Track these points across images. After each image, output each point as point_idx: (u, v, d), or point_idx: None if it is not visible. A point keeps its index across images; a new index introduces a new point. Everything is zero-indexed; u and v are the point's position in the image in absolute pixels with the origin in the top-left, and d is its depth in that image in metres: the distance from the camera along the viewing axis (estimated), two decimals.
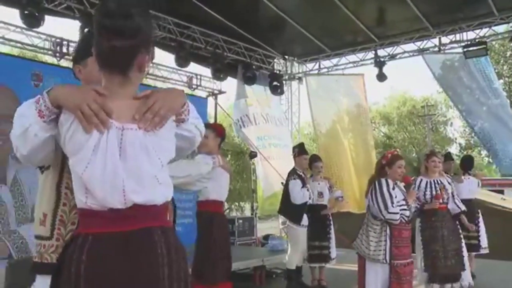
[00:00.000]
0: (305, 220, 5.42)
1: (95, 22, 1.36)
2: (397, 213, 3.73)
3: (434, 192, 4.44)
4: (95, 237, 1.30)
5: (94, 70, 1.69)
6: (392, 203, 3.72)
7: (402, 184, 4.04)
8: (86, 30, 1.91)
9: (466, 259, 4.57)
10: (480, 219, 6.05)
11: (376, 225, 3.81)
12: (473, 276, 5.91)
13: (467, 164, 6.26)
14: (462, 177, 6.03)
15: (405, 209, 3.78)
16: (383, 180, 3.84)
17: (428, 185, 4.49)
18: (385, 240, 3.74)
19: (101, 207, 1.31)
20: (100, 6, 1.40)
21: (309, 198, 5.38)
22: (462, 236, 4.68)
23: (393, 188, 3.83)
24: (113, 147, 1.31)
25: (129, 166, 1.32)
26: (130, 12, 1.33)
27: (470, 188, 6.03)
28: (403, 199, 3.84)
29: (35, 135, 1.32)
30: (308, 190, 5.34)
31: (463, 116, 8.28)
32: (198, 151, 3.30)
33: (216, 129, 3.56)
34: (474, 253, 5.93)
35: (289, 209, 5.50)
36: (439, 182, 4.47)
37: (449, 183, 4.56)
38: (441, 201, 4.43)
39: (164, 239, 1.36)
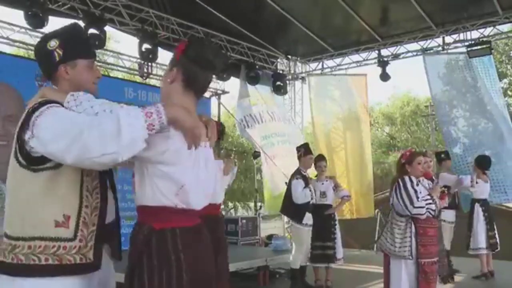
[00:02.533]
0: (308, 219, 5.40)
1: (199, 56, 1.68)
2: (423, 207, 3.71)
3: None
4: (181, 230, 1.61)
5: (83, 75, 1.72)
6: (417, 198, 3.71)
7: (425, 181, 3.99)
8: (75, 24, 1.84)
9: None
10: None
11: (401, 222, 3.78)
12: (491, 275, 5.97)
13: (485, 163, 6.22)
14: (485, 176, 6.06)
15: (430, 203, 3.76)
16: (406, 178, 3.82)
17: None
18: (410, 237, 3.72)
19: (186, 206, 1.62)
20: (204, 43, 1.80)
21: (312, 198, 5.37)
22: None
23: (417, 185, 3.81)
24: (202, 161, 1.69)
25: (210, 175, 1.74)
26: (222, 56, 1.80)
27: (488, 188, 6.08)
28: (428, 195, 3.82)
29: (140, 146, 1.49)
30: (310, 190, 5.32)
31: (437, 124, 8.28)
32: None
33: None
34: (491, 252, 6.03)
35: (291, 209, 5.49)
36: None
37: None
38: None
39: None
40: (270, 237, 8.75)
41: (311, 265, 5.62)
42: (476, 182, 5.99)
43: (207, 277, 1.66)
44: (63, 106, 1.59)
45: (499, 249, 6.05)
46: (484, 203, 6.11)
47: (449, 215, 6.06)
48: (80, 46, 1.77)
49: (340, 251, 5.53)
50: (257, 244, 8.50)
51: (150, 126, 1.48)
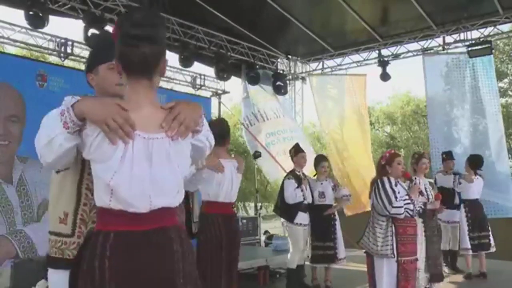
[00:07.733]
0: (303, 218, 5.38)
1: (122, 33, 1.47)
2: (401, 207, 3.81)
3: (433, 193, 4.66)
4: (116, 234, 1.43)
5: (106, 77, 1.78)
6: (396, 198, 3.80)
7: (405, 182, 4.12)
8: (90, 33, 1.97)
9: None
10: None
11: (382, 222, 3.87)
12: (484, 276, 5.90)
13: (476, 163, 6.17)
14: (472, 177, 6.00)
15: (408, 203, 3.85)
16: (385, 178, 3.92)
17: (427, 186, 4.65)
18: (391, 236, 3.80)
19: (123, 207, 1.44)
20: (126, 18, 1.54)
21: (304, 199, 5.34)
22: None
23: (396, 185, 3.91)
24: (140, 157, 1.44)
25: (155, 173, 1.46)
26: (155, 22, 1.52)
27: (478, 188, 6.01)
28: (406, 195, 3.92)
29: (60, 145, 1.43)
30: (302, 190, 5.30)
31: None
32: None
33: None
34: (484, 252, 5.94)
35: (282, 208, 5.52)
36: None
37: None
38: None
39: (178, 237, 1.52)
40: (270, 237, 8.75)
41: (309, 265, 5.61)
42: (459, 183, 5.96)
43: None
44: None
45: (491, 250, 5.92)
46: (470, 203, 5.98)
47: (446, 215, 6.02)
48: (100, 52, 1.85)
49: (342, 251, 5.50)
50: (257, 244, 8.49)
51: (65, 125, 1.41)
